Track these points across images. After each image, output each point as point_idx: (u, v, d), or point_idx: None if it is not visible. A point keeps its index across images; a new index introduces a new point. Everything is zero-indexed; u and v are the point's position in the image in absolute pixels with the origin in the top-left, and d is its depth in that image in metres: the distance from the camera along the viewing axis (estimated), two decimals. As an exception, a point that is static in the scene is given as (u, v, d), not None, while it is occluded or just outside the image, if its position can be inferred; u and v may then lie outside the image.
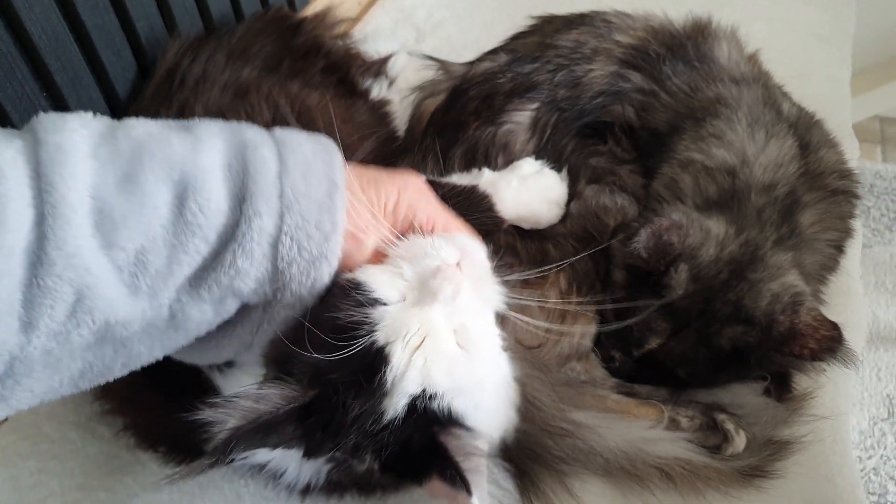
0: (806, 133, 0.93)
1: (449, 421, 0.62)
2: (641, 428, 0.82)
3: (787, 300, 0.80)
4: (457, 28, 1.33)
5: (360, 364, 0.61)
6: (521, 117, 0.97)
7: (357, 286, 0.64)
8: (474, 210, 0.88)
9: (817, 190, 0.91)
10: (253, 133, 0.63)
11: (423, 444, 0.62)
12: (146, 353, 0.60)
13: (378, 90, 1.07)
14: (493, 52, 1.07)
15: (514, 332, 0.82)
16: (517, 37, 1.08)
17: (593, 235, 0.90)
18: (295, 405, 0.60)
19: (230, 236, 0.58)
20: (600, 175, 0.94)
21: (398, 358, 0.61)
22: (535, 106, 0.98)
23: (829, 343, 0.77)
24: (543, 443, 0.80)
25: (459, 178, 0.92)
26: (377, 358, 0.61)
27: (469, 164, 0.95)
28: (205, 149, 0.58)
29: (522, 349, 0.84)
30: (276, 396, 0.60)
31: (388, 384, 0.61)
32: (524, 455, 0.81)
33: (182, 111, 0.92)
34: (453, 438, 0.62)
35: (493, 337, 0.69)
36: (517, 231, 0.93)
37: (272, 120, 0.92)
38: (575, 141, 0.96)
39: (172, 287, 0.57)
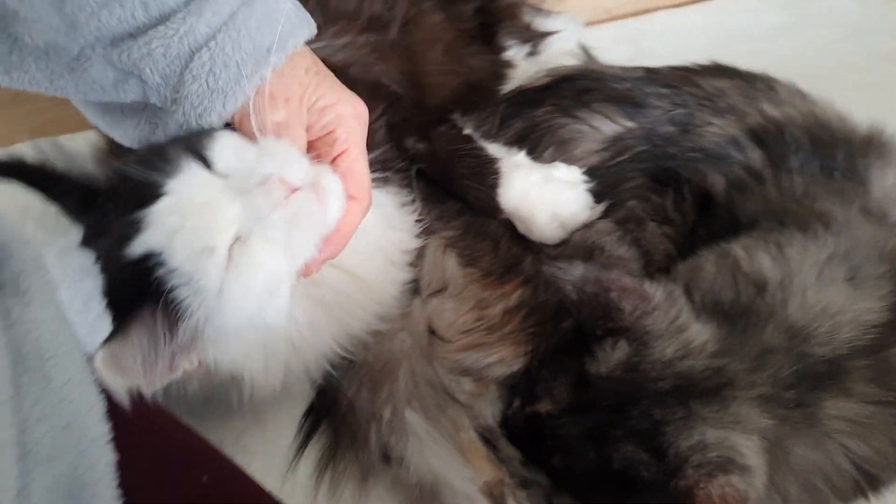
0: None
1: (166, 299, 0.56)
2: (468, 480, 0.67)
3: (714, 458, 0.60)
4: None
5: (139, 190, 0.57)
6: (604, 126, 0.84)
7: (209, 136, 0.59)
8: (475, 180, 0.80)
9: (883, 388, 0.66)
10: None
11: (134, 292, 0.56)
12: (39, 78, 0.60)
13: (514, 53, 1.00)
14: (640, 67, 0.94)
15: (434, 313, 0.73)
16: (680, 67, 0.94)
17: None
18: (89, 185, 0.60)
19: (164, 17, 0.57)
20: (627, 218, 0.78)
21: (166, 207, 0.56)
22: (629, 125, 0.84)
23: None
24: (368, 421, 0.70)
25: (493, 148, 0.83)
26: (155, 196, 0.57)
27: (517, 141, 0.85)
28: None
29: (425, 328, 0.74)
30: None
31: (142, 223, 0.56)
32: (345, 422, 0.71)
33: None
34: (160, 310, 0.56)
35: (267, 275, 0.58)
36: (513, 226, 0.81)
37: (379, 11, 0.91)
38: (641, 179, 0.81)
39: (93, 30, 0.58)
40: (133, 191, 0.57)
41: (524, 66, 1.00)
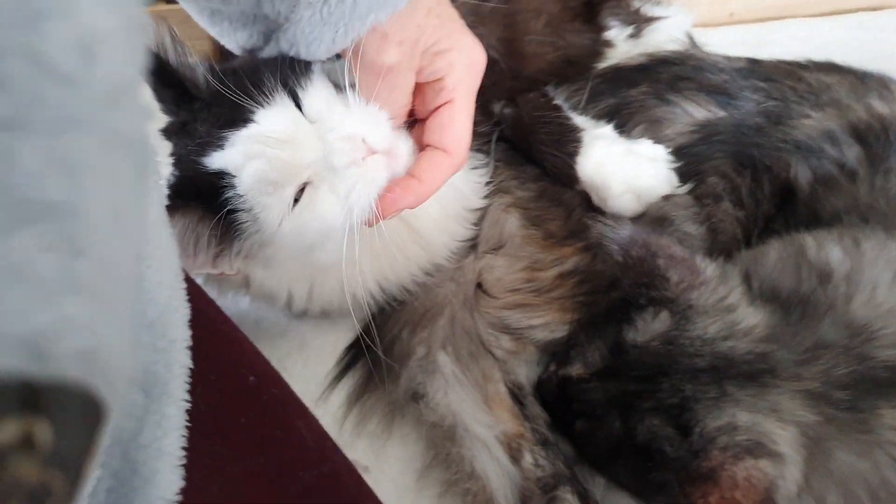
0: None
1: (225, 216, 0.59)
2: (486, 426, 0.66)
3: (742, 441, 0.57)
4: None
5: (231, 110, 0.60)
6: (695, 111, 0.82)
7: (308, 77, 0.61)
8: (555, 147, 0.79)
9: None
10: None
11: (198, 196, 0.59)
12: None
13: (615, 34, 0.99)
14: (744, 57, 0.90)
15: (485, 268, 0.74)
16: (788, 61, 0.89)
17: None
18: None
19: None
20: (705, 193, 0.75)
21: (251, 134, 0.58)
22: (720, 114, 0.81)
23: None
24: (402, 358, 0.71)
25: (579, 119, 0.82)
26: (244, 120, 0.59)
27: (606, 116, 0.84)
28: None
29: (474, 281, 0.74)
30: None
31: (225, 142, 0.59)
32: (382, 359, 0.72)
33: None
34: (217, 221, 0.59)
35: (325, 223, 0.60)
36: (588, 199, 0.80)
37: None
38: (725, 160, 0.78)
39: None
40: (226, 108, 0.60)
41: (624, 48, 0.98)
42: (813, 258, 0.64)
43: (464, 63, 0.60)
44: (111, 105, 0.27)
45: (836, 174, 0.73)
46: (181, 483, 0.43)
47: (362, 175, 0.59)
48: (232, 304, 0.80)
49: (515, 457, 0.65)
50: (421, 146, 0.63)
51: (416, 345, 0.70)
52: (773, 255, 0.66)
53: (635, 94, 0.85)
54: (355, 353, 0.75)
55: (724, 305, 0.62)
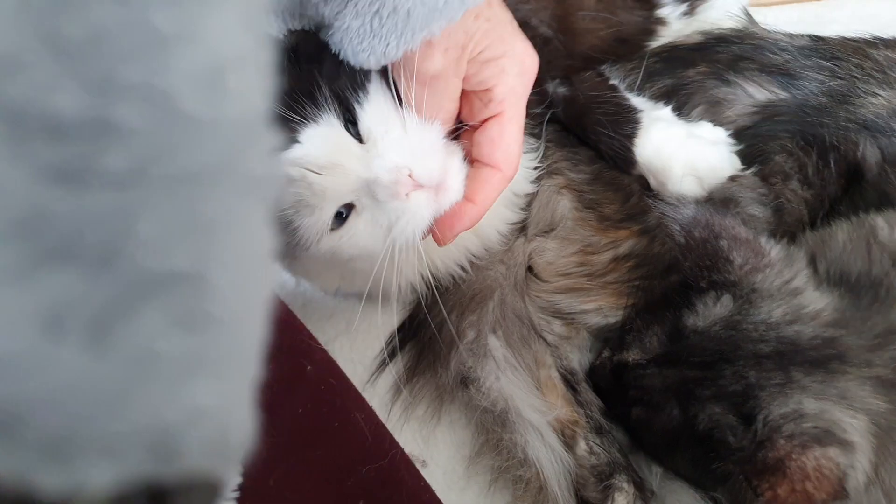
0: None
1: None
2: (539, 412, 0.65)
3: (809, 429, 0.54)
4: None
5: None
6: (756, 92, 0.79)
7: (364, 90, 0.57)
8: (612, 128, 0.77)
9: None
10: None
11: None
12: None
13: (668, 11, 0.95)
14: (806, 35, 0.86)
15: (536, 251, 0.72)
16: (854, 38, 0.86)
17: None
18: None
19: None
20: (773, 172, 0.72)
21: (292, 156, 0.55)
22: (782, 95, 0.78)
23: (802, 497, 0.51)
24: (451, 342, 0.70)
25: (637, 100, 0.80)
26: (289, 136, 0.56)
27: (663, 97, 0.81)
28: None
29: (524, 264, 0.73)
30: None
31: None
32: (430, 343, 0.71)
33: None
34: None
35: (362, 250, 0.59)
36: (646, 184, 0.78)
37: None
38: (790, 138, 0.75)
39: None
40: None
41: (678, 26, 0.95)
42: (885, 240, 0.61)
43: (515, 71, 0.57)
44: (245, 146, 0.23)
45: (906, 154, 0.70)
46: (238, 479, 0.41)
47: (405, 210, 0.56)
48: (278, 286, 0.80)
49: (569, 444, 0.63)
50: (470, 159, 0.61)
51: (466, 328, 0.69)
52: (841, 236, 0.63)
53: (693, 75, 0.82)
54: (403, 336, 0.74)
55: (790, 289, 0.60)
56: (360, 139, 0.58)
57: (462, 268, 0.72)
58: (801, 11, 1.26)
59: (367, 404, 0.55)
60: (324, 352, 0.55)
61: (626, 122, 0.77)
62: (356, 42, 0.53)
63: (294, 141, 0.55)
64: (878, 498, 0.57)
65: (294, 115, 0.55)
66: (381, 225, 0.57)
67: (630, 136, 0.76)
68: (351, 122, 0.57)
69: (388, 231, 0.57)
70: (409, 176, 0.55)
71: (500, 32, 0.56)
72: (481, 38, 0.55)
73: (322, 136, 0.56)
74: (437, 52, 0.53)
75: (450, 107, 0.58)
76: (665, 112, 0.78)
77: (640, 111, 0.77)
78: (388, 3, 0.50)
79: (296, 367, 0.50)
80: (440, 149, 0.58)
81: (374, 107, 0.57)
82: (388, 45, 0.52)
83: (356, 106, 0.57)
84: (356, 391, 0.54)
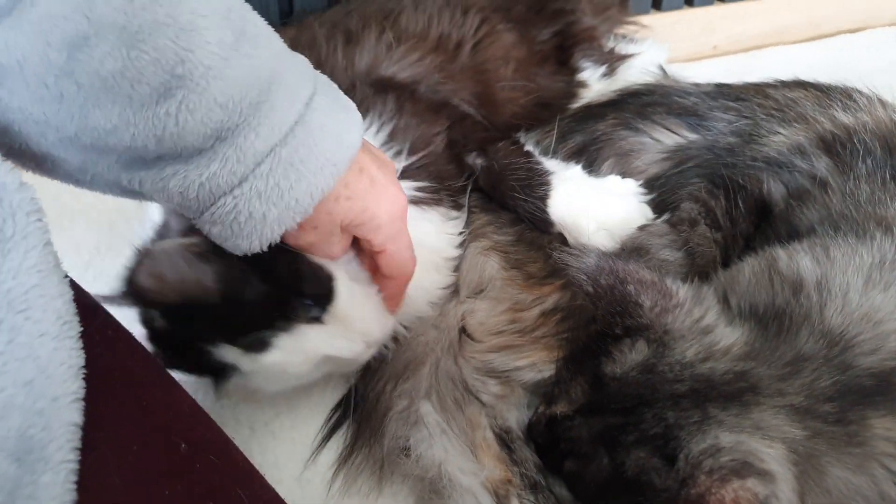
0: None
1: None
2: (471, 475, 0.65)
3: (727, 462, 0.55)
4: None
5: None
6: (665, 138, 0.82)
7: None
8: (525, 192, 0.80)
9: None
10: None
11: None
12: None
13: (588, 74, 1.00)
14: (712, 83, 0.91)
15: (467, 312, 0.74)
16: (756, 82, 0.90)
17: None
18: None
19: (183, 155, 0.50)
20: (681, 220, 0.75)
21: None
22: (692, 137, 0.82)
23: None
24: (386, 412, 0.70)
25: (550, 163, 0.83)
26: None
27: (577, 153, 0.85)
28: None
29: (457, 326, 0.74)
30: None
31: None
32: (368, 416, 0.72)
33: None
34: None
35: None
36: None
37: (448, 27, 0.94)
38: (699, 183, 0.78)
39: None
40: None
41: (598, 87, 1.00)
42: (784, 269, 0.63)
43: (385, 221, 0.61)
44: None
45: (808, 187, 0.73)
46: None
47: None
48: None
49: (503, 503, 0.63)
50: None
51: (397, 397, 0.69)
52: (747, 271, 0.65)
53: (603, 128, 0.86)
54: (343, 413, 0.75)
55: (701, 327, 0.61)
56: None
57: (395, 339, 0.74)
58: (729, 63, 1.32)
59: (258, 480, 0.53)
60: (209, 428, 0.54)
61: (539, 184, 0.80)
62: (221, 241, 0.55)
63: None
64: (810, 529, 0.57)
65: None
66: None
67: (543, 197, 0.79)
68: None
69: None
70: None
71: (362, 204, 0.59)
72: (345, 213, 0.59)
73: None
74: (306, 231, 0.58)
75: (338, 250, 0.63)
76: (575, 171, 0.81)
77: (552, 173, 0.81)
78: (242, 209, 0.52)
79: (168, 447, 0.49)
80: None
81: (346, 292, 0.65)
82: (250, 241, 0.54)
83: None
84: (244, 467, 0.53)
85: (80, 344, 0.44)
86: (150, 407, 0.51)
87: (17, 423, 0.40)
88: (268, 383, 0.67)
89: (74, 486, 0.41)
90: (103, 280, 0.71)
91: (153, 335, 0.63)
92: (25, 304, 0.42)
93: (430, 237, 0.75)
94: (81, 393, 0.43)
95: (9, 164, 0.45)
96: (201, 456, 0.50)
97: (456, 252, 0.78)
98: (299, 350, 0.62)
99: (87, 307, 0.48)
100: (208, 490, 0.48)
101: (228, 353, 0.62)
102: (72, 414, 0.43)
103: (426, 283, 0.75)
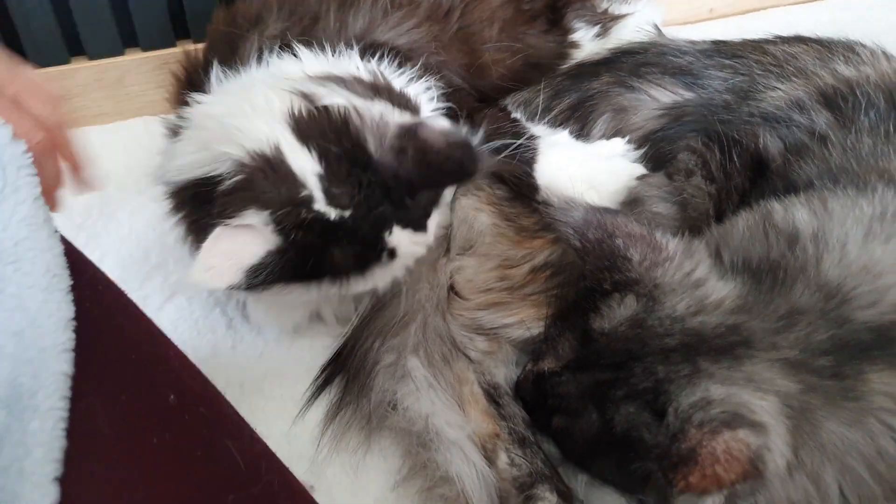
0: None
1: None
2: (458, 427, 0.64)
3: (718, 414, 0.53)
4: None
5: None
6: (661, 95, 0.81)
7: None
8: (511, 158, 0.78)
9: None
10: None
11: None
12: None
13: (581, 35, 0.98)
14: (708, 40, 0.89)
15: (455, 270, 0.73)
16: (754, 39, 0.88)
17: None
18: None
19: None
20: (677, 170, 0.74)
21: None
22: (687, 96, 0.80)
23: (712, 481, 0.50)
24: (373, 367, 0.69)
25: (537, 128, 0.81)
26: None
27: (571, 111, 0.83)
28: None
29: (446, 284, 0.73)
30: None
31: None
32: (357, 372, 0.71)
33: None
34: None
35: None
36: None
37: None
38: (694, 136, 0.76)
39: None
40: None
41: (591, 47, 0.97)
42: (779, 222, 0.61)
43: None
44: None
45: (807, 141, 0.71)
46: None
47: None
48: (207, 328, 0.80)
49: (491, 457, 0.63)
50: None
51: (385, 352, 0.68)
52: (741, 224, 0.64)
53: (598, 86, 0.84)
54: (331, 370, 0.74)
55: (692, 280, 0.60)
56: None
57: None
58: (725, 26, 1.29)
59: (248, 432, 0.53)
60: (198, 381, 0.53)
61: (525, 149, 0.78)
62: None
63: None
64: (803, 483, 0.55)
65: None
66: None
67: (529, 162, 0.78)
68: None
69: None
70: None
71: None
72: None
73: None
74: None
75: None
76: (562, 136, 0.80)
77: (538, 137, 0.79)
78: None
79: (156, 398, 0.49)
80: None
81: None
82: None
83: None
84: (234, 420, 0.53)
85: (69, 297, 0.45)
86: (139, 360, 0.52)
87: (6, 371, 0.41)
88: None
89: (64, 433, 0.42)
90: (95, 243, 0.69)
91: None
92: (15, 255, 0.43)
93: None
94: (71, 344, 0.44)
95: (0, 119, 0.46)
96: (191, 408, 0.50)
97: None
98: None
99: (78, 264, 0.49)
100: (197, 441, 0.48)
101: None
102: (61, 364, 0.43)
103: None
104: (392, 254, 0.64)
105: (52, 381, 0.43)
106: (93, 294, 0.49)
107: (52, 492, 0.40)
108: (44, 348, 0.43)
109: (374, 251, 0.63)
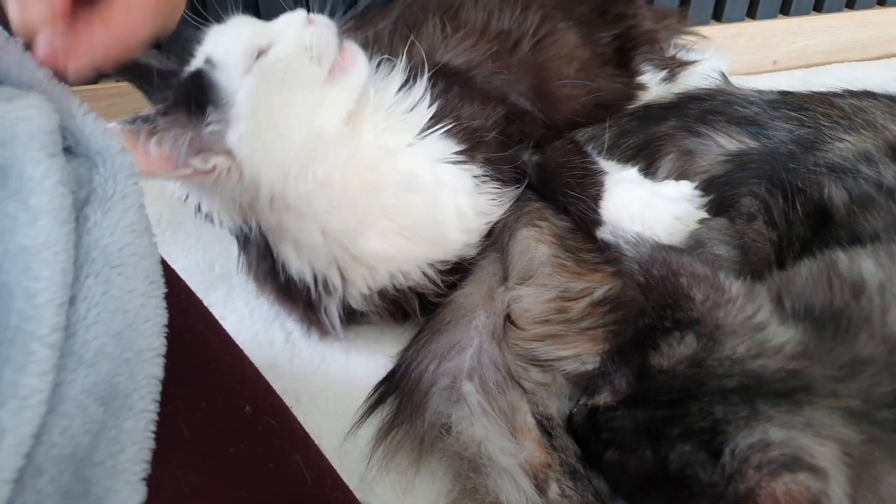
0: None
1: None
2: (510, 455, 0.64)
3: (776, 457, 0.53)
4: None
5: None
6: (727, 142, 0.82)
7: None
8: (578, 190, 0.80)
9: None
10: None
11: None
12: None
13: (648, 78, 1.00)
14: (775, 90, 0.89)
15: (513, 299, 0.74)
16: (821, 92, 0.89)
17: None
18: None
19: None
20: (737, 214, 0.74)
21: None
22: (752, 144, 0.81)
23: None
24: (428, 389, 0.71)
25: (605, 164, 0.83)
26: None
27: (637, 151, 0.85)
28: None
29: (503, 313, 0.74)
30: None
31: None
32: (410, 393, 0.72)
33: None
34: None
35: None
36: None
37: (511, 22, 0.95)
38: (758, 182, 0.77)
39: None
40: None
41: (658, 90, 0.99)
42: (845, 271, 0.61)
43: None
44: None
45: (873, 194, 0.71)
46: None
47: None
48: (266, 341, 0.82)
49: (542, 487, 0.63)
50: None
51: (441, 375, 0.70)
52: (804, 271, 0.64)
53: (665, 129, 0.85)
54: (385, 389, 0.75)
55: (753, 324, 0.60)
56: None
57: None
58: (789, 78, 1.30)
59: (314, 448, 0.54)
60: (270, 394, 0.55)
61: (592, 184, 0.80)
62: None
63: None
64: (859, 536, 0.55)
65: None
66: None
67: (595, 198, 0.79)
68: None
69: None
70: None
71: None
72: None
73: None
74: None
75: None
76: (631, 173, 0.81)
77: (606, 173, 0.80)
78: None
79: (234, 407, 0.50)
80: None
81: None
82: None
83: None
84: (301, 435, 0.54)
85: (164, 303, 0.47)
86: (219, 369, 0.54)
87: (106, 370, 0.43)
88: None
89: (153, 435, 0.44)
90: (163, 251, 0.72)
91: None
92: (119, 259, 0.44)
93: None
94: (163, 349, 0.46)
95: (111, 128, 0.48)
96: (264, 419, 0.52)
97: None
98: None
99: (166, 273, 0.51)
100: (269, 452, 0.50)
101: None
102: (154, 367, 0.45)
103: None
104: None
105: (146, 384, 0.45)
106: (178, 303, 0.50)
107: (141, 490, 0.41)
108: (140, 351, 0.45)
109: None
